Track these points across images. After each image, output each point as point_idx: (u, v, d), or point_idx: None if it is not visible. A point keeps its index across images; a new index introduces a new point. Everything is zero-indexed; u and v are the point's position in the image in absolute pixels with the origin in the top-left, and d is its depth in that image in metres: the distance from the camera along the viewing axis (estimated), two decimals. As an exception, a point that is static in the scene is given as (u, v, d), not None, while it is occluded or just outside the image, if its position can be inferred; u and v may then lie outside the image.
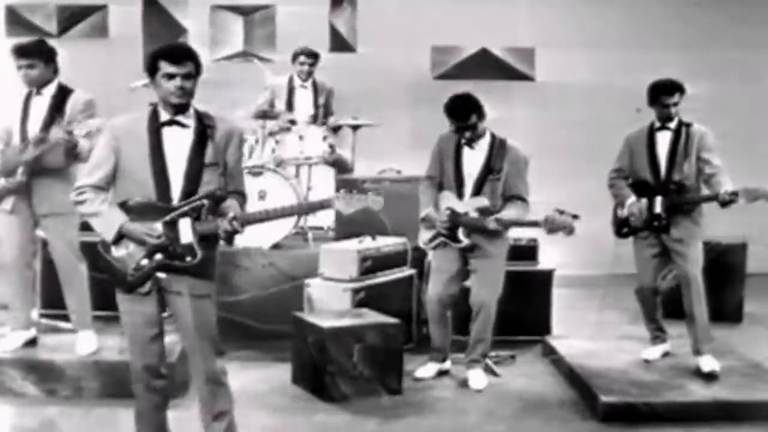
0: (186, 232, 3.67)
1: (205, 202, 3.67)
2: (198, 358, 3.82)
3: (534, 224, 5.13)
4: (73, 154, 4.90)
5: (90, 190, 3.73)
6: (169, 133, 3.70)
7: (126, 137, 3.70)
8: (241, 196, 3.87)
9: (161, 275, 3.72)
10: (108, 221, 3.70)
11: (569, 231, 4.97)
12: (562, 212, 4.97)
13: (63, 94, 5.05)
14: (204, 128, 3.72)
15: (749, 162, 7.35)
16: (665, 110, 5.39)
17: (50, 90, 5.05)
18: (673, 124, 5.43)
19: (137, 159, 3.67)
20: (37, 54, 5.00)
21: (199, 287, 3.75)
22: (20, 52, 5.00)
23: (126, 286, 3.72)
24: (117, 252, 3.72)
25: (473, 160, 5.36)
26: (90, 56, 8.27)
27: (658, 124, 5.48)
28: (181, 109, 3.68)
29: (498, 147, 5.33)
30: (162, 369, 3.89)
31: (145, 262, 3.69)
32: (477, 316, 5.41)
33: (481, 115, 5.29)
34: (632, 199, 5.45)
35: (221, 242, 3.86)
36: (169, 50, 3.65)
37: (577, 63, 8.77)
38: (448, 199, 5.39)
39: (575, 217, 4.97)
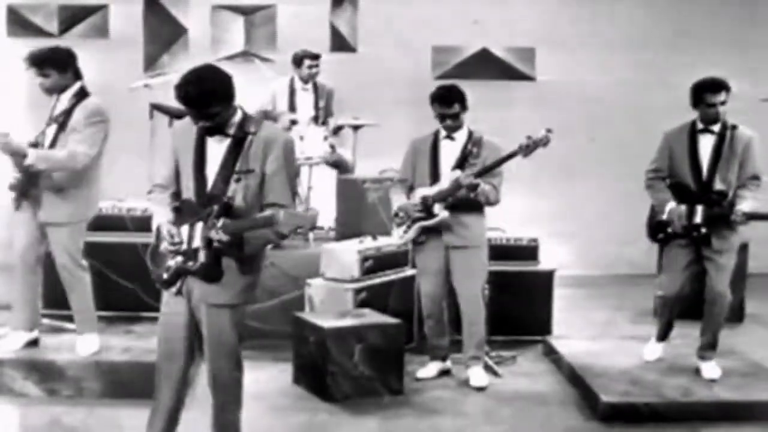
0: (198, 237, 3.70)
1: (214, 207, 3.65)
2: (208, 365, 3.85)
3: (510, 157, 5.20)
4: (25, 165, 4.81)
5: (157, 190, 3.88)
6: (213, 140, 3.74)
7: (182, 141, 3.80)
8: (280, 208, 3.64)
9: (188, 278, 3.75)
10: (154, 220, 3.82)
11: (545, 143, 5.16)
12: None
13: (77, 99, 5.01)
14: (244, 136, 3.71)
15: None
16: (711, 110, 5.05)
17: (68, 95, 5.02)
18: (716, 127, 5.12)
19: (186, 162, 3.77)
20: (49, 62, 4.95)
21: (215, 296, 3.72)
22: (32, 61, 4.95)
23: (162, 283, 3.82)
24: (162, 249, 3.78)
25: (451, 150, 5.43)
26: (90, 56, 8.16)
27: (700, 126, 5.16)
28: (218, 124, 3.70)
29: (475, 139, 5.41)
30: (188, 371, 3.91)
31: (171, 263, 3.75)
32: (466, 310, 5.43)
33: (463, 106, 5.38)
34: (671, 204, 5.17)
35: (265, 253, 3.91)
36: (181, 98, 3.58)
37: (578, 63, 8.77)
38: (420, 193, 5.44)
39: (548, 131, 5.13)
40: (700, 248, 5.20)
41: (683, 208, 5.14)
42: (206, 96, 3.56)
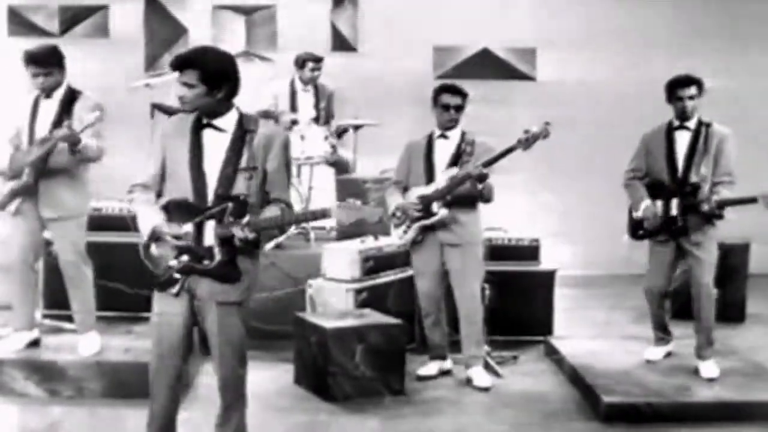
0: (209, 235, 3.66)
1: (229, 205, 3.62)
2: (217, 364, 3.82)
3: (510, 151, 5.16)
4: (76, 151, 4.85)
5: (138, 189, 3.78)
6: (209, 136, 3.69)
7: (173, 137, 3.73)
8: (284, 204, 3.74)
9: (191, 277, 3.70)
10: (145, 221, 3.72)
11: (544, 135, 5.09)
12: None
13: (72, 96, 5.04)
14: (243, 133, 3.69)
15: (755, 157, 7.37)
16: (683, 104, 5.23)
17: (59, 93, 5.04)
18: (691, 124, 5.27)
19: (179, 159, 3.69)
20: (53, 62, 4.98)
21: (224, 294, 3.70)
22: (36, 61, 4.94)
23: (158, 285, 3.75)
24: (155, 251, 3.73)
25: (445, 149, 5.45)
26: (91, 56, 8.26)
27: (676, 123, 5.31)
28: (214, 113, 3.68)
29: (468, 138, 5.42)
30: (183, 370, 3.90)
31: (173, 262, 3.70)
32: (463, 308, 5.43)
33: (465, 101, 5.42)
34: (647, 202, 5.33)
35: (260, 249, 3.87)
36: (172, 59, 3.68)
37: (578, 63, 8.78)
38: (416, 192, 5.44)
39: (547, 123, 5.11)
40: (680, 243, 5.31)
41: (658, 204, 5.31)
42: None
